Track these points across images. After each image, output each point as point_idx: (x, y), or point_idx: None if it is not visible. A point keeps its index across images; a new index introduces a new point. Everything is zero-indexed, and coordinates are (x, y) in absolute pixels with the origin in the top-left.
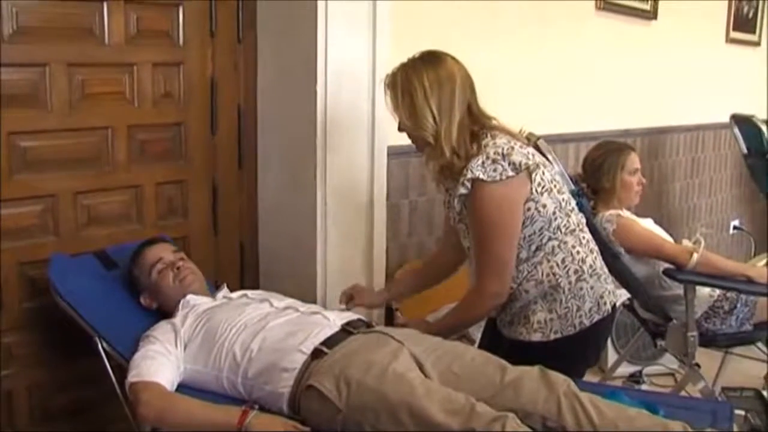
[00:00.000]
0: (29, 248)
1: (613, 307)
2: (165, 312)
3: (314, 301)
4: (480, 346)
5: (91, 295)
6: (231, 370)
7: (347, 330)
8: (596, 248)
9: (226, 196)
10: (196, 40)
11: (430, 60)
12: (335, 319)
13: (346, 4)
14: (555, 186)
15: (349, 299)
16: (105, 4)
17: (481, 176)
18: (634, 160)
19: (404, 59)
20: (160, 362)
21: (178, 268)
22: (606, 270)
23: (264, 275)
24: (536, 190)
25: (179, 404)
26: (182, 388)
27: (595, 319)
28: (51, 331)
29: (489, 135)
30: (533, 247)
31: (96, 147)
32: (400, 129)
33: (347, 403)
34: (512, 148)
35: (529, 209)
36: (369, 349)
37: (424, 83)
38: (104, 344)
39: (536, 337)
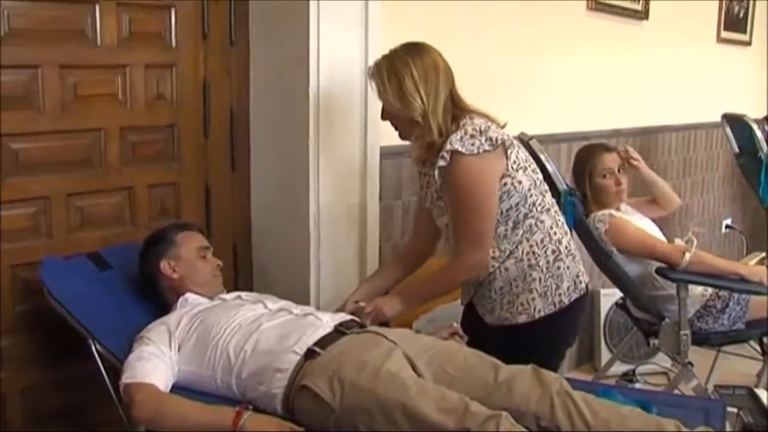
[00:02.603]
0: (22, 251)
1: (586, 286)
2: (170, 290)
3: (307, 303)
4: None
5: (84, 296)
6: (225, 371)
7: (340, 330)
8: (568, 230)
9: (218, 197)
10: (188, 42)
11: (414, 48)
12: (328, 320)
13: (339, 6)
14: (529, 165)
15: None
16: (97, 6)
17: (460, 148)
18: (604, 161)
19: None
20: (155, 364)
21: (218, 265)
22: (577, 252)
23: (257, 277)
24: (512, 167)
25: (173, 405)
26: (176, 389)
27: (573, 298)
28: (44, 334)
29: (467, 116)
30: (510, 223)
31: (88, 149)
32: (383, 117)
33: (341, 403)
34: (489, 126)
35: (505, 184)
36: (362, 349)
37: (410, 67)
38: (98, 346)
39: (522, 318)
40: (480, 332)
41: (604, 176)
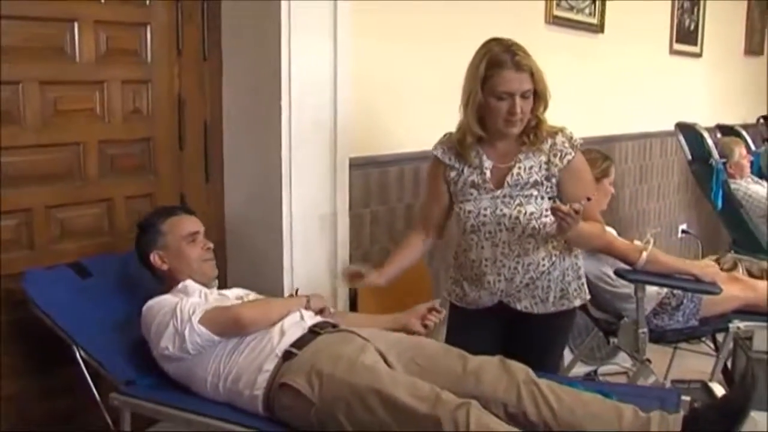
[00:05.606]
0: (4, 262)
1: None
2: (166, 279)
3: None
4: (486, 342)
5: (68, 304)
6: (215, 375)
7: (314, 331)
8: None
9: (193, 208)
10: (163, 59)
11: None
12: (307, 320)
13: (310, 22)
14: None
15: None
16: (75, 24)
17: (578, 143)
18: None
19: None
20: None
21: (208, 248)
22: None
23: (231, 285)
24: None
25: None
26: (168, 384)
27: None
28: (28, 343)
29: None
30: None
31: (68, 162)
32: (524, 94)
33: (320, 396)
34: None
35: None
36: (337, 346)
37: None
38: (81, 352)
39: (577, 302)
40: (513, 325)
41: (612, 183)
